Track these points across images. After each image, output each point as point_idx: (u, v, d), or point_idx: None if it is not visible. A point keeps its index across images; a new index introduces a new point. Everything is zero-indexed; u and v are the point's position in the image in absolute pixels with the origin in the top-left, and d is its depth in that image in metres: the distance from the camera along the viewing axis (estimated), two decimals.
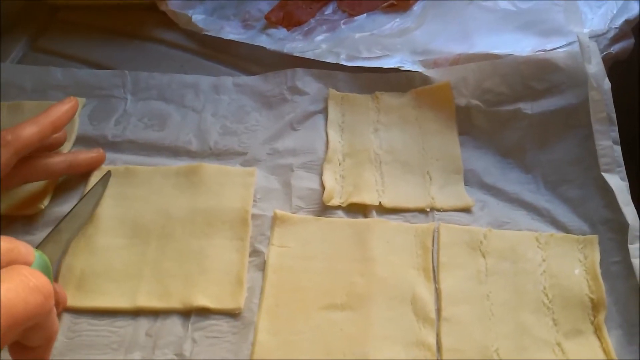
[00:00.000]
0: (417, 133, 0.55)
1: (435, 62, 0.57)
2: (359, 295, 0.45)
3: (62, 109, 0.49)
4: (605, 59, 0.55)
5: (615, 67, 0.58)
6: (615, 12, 0.57)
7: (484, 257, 0.47)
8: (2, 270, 0.30)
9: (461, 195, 0.51)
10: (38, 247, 0.41)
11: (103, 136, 0.56)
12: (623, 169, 0.50)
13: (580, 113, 0.52)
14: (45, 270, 0.35)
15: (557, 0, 0.55)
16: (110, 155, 0.54)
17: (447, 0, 0.57)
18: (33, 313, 0.29)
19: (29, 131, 0.46)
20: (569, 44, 0.55)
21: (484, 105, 0.55)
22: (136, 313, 0.45)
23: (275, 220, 0.49)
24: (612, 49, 0.56)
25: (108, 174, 0.52)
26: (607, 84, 0.51)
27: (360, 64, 0.58)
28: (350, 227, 0.49)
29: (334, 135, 0.55)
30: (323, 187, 0.51)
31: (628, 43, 0.58)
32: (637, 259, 0.45)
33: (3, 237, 0.32)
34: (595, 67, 0.51)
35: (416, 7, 0.60)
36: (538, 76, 0.54)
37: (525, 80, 0.54)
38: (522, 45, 0.55)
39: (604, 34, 0.56)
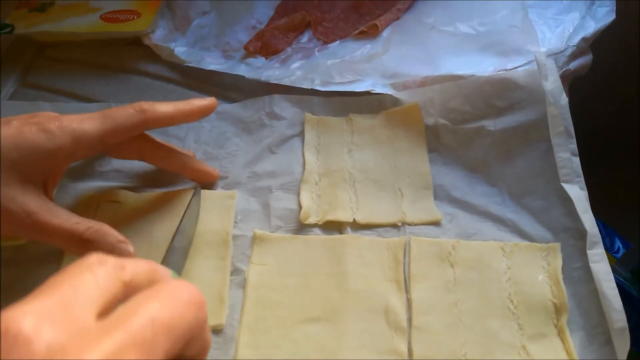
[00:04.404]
0: (389, 152, 0.58)
1: (404, 84, 0.60)
2: (334, 308, 0.47)
3: (202, 102, 0.52)
4: (564, 76, 0.59)
5: (576, 82, 0.61)
6: (571, 31, 0.60)
7: (452, 267, 0.50)
8: (149, 290, 0.26)
9: (431, 209, 0.54)
10: None
11: (90, 166, 0.59)
12: (582, 179, 0.52)
13: (540, 128, 0.55)
14: None
15: (514, 22, 0.58)
16: (97, 185, 0.57)
17: (410, 26, 0.60)
18: (191, 326, 0.26)
19: (165, 108, 0.49)
20: (529, 62, 0.58)
21: (450, 123, 0.58)
22: None
23: (254, 239, 0.52)
24: (570, 65, 0.59)
25: (198, 189, 0.54)
26: (564, 99, 0.54)
27: (333, 89, 0.61)
28: (325, 243, 0.52)
29: (310, 157, 0.58)
30: (300, 207, 0.54)
31: (586, 59, 0.61)
32: (596, 264, 0.47)
33: (143, 260, 0.29)
34: (552, 84, 0.54)
35: (385, 34, 0.63)
36: (499, 94, 0.57)
37: (487, 98, 0.57)
38: (484, 66, 0.58)
39: (561, 51, 0.59)
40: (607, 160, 0.75)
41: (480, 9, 0.59)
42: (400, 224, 0.53)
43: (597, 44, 0.62)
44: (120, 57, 0.71)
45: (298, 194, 0.55)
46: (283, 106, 0.62)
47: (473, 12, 0.58)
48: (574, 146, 0.53)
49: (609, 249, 0.71)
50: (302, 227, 0.53)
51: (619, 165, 0.79)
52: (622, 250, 0.71)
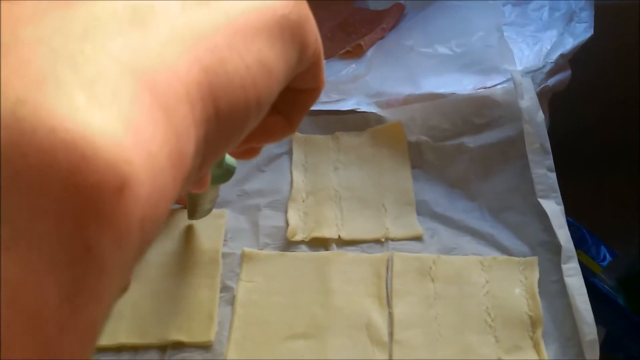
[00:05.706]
0: (374, 169, 0.60)
1: (387, 103, 0.62)
2: (318, 325, 0.49)
3: None
4: (542, 92, 0.60)
5: (556, 96, 0.63)
6: (549, 48, 0.62)
7: (433, 282, 0.52)
8: None
9: (413, 225, 0.56)
10: None
11: None
12: (558, 194, 0.54)
13: (518, 144, 0.57)
14: None
15: (490, 42, 0.59)
16: None
17: (391, 48, 0.62)
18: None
19: None
20: (507, 80, 0.60)
21: (431, 140, 0.60)
22: (118, 349, 0.49)
23: (243, 257, 0.54)
24: (548, 82, 0.61)
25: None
26: (540, 116, 0.56)
27: (320, 108, 0.63)
28: (311, 261, 0.54)
29: (297, 176, 0.60)
30: (287, 224, 0.56)
31: (564, 75, 0.63)
32: (570, 278, 0.49)
33: None
34: (528, 102, 0.56)
35: (369, 54, 0.65)
36: (478, 112, 0.59)
37: (466, 116, 0.59)
38: (464, 84, 0.60)
39: (539, 68, 0.61)
40: (593, 170, 0.76)
41: (457, 31, 0.61)
42: (383, 240, 0.55)
43: (576, 59, 0.63)
44: None
45: (286, 212, 0.57)
46: None
47: (450, 34, 0.60)
48: (550, 162, 0.55)
49: (595, 257, 0.72)
50: (289, 244, 0.55)
51: (604, 175, 0.80)
52: (608, 259, 0.72)
